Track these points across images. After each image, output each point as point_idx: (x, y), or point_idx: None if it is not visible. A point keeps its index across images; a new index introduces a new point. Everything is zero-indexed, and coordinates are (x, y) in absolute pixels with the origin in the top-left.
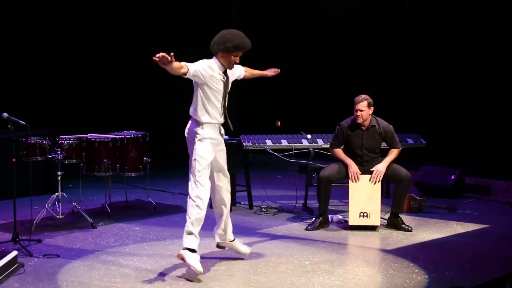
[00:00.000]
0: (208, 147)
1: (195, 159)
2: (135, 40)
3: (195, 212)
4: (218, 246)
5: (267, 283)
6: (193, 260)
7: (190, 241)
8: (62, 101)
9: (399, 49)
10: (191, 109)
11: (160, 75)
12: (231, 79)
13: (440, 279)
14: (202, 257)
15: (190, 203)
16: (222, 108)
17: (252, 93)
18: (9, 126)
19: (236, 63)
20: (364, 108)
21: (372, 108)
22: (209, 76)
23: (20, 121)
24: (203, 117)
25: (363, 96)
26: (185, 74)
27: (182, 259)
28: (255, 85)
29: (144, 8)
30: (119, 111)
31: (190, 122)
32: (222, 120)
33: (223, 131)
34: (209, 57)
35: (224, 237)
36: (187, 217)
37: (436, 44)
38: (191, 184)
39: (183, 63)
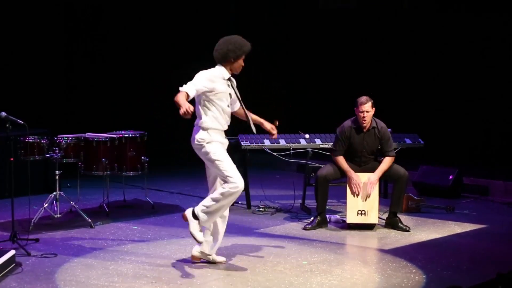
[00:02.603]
0: (219, 146)
1: (215, 160)
2: (134, 39)
3: (224, 195)
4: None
5: (265, 282)
6: (196, 229)
7: (204, 218)
8: (60, 100)
9: (397, 49)
10: (197, 118)
11: (158, 74)
12: (234, 83)
13: (437, 279)
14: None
15: (225, 190)
16: (228, 116)
17: (251, 93)
18: (7, 125)
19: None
20: (369, 109)
21: (373, 108)
22: (211, 88)
23: (18, 120)
24: (209, 123)
25: (366, 97)
26: (189, 98)
27: (187, 220)
28: (254, 84)
29: (143, 7)
30: (118, 111)
31: (194, 130)
32: (226, 126)
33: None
34: (207, 57)
35: (212, 250)
36: (214, 201)
37: (434, 43)
38: (223, 183)
39: (184, 90)
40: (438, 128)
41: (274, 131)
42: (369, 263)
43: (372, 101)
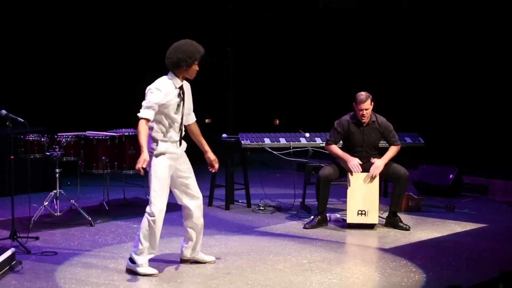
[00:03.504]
0: (165, 163)
1: (151, 175)
2: (134, 38)
3: (145, 228)
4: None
5: (265, 281)
6: (144, 270)
7: (138, 258)
8: (60, 99)
9: (397, 49)
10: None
11: (158, 73)
12: (187, 92)
13: (437, 278)
14: None
15: (144, 218)
16: (180, 125)
17: (251, 92)
18: (7, 123)
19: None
20: (368, 107)
21: (372, 103)
22: (165, 102)
23: (19, 118)
24: (158, 134)
25: (365, 94)
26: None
27: (132, 272)
28: (254, 84)
29: (144, 5)
30: (118, 109)
31: (148, 138)
32: (177, 137)
33: (184, 145)
34: (206, 57)
35: (193, 253)
36: (140, 231)
37: (434, 43)
38: (150, 199)
39: (143, 117)
40: (438, 127)
41: (215, 165)
42: (369, 262)
43: (371, 96)
